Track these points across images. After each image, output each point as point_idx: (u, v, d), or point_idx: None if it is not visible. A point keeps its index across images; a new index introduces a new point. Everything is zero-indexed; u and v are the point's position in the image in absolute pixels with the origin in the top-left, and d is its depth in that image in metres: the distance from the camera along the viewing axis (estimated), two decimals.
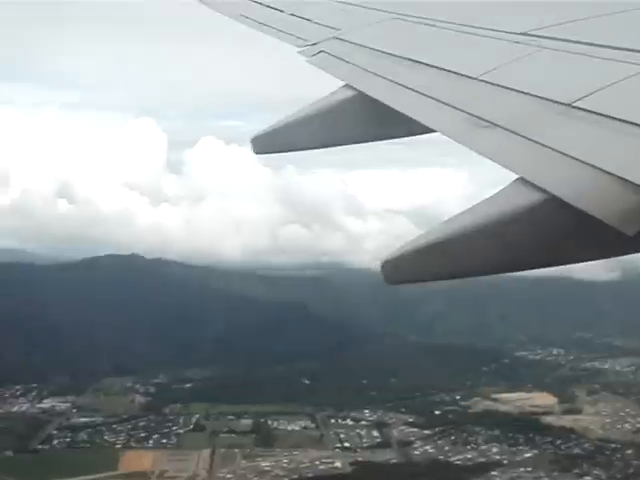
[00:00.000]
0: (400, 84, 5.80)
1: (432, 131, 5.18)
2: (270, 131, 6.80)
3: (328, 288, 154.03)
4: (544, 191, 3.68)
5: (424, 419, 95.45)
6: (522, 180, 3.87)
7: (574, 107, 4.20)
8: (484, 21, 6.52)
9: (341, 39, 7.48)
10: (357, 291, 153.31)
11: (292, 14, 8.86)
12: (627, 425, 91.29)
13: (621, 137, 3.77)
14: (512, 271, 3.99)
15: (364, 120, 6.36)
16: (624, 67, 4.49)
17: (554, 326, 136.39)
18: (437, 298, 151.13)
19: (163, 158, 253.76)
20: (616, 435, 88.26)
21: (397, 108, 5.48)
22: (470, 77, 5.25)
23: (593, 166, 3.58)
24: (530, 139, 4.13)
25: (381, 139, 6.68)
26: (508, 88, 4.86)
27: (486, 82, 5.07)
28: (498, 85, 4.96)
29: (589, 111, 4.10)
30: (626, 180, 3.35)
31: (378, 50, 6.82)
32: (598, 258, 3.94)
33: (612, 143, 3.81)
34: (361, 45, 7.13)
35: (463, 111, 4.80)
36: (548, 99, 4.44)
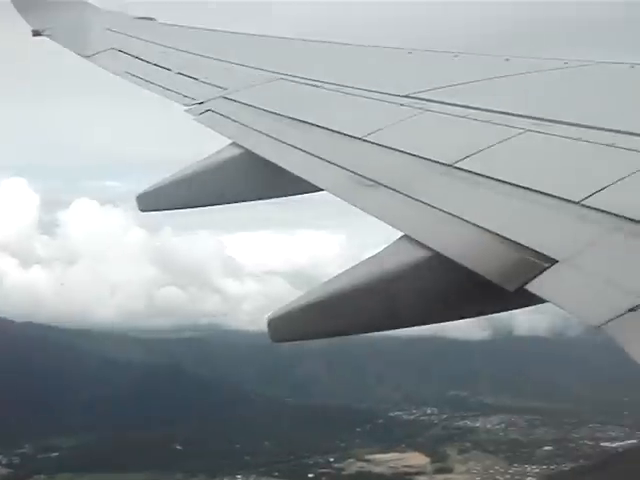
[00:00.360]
0: (287, 143, 5.89)
1: (318, 190, 5.25)
2: (156, 188, 6.69)
3: (205, 350, 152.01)
4: (428, 248, 3.78)
5: None
6: (406, 238, 3.96)
7: (455, 167, 4.36)
8: (369, 82, 6.74)
9: (228, 98, 7.56)
10: (234, 353, 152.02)
11: (179, 72, 8.87)
12: None
13: (499, 196, 3.92)
14: (395, 328, 4.03)
15: (251, 178, 6.37)
16: (501, 130, 4.73)
17: (429, 385, 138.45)
18: (314, 359, 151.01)
19: (35, 219, 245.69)
20: None
21: (284, 166, 5.56)
22: (355, 137, 5.38)
23: (475, 224, 3.71)
24: (414, 198, 4.24)
25: (267, 197, 6.61)
26: (392, 149, 4.99)
27: (371, 142, 5.20)
28: (383, 145, 5.09)
29: (469, 171, 4.26)
30: (505, 238, 3.48)
31: (264, 110, 6.89)
32: (480, 315, 4.05)
33: (491, 202, 3.96)
34: (248, 104, 7.20)
35: (349, 170, 4.90)
36: (431, 159, 4.59)
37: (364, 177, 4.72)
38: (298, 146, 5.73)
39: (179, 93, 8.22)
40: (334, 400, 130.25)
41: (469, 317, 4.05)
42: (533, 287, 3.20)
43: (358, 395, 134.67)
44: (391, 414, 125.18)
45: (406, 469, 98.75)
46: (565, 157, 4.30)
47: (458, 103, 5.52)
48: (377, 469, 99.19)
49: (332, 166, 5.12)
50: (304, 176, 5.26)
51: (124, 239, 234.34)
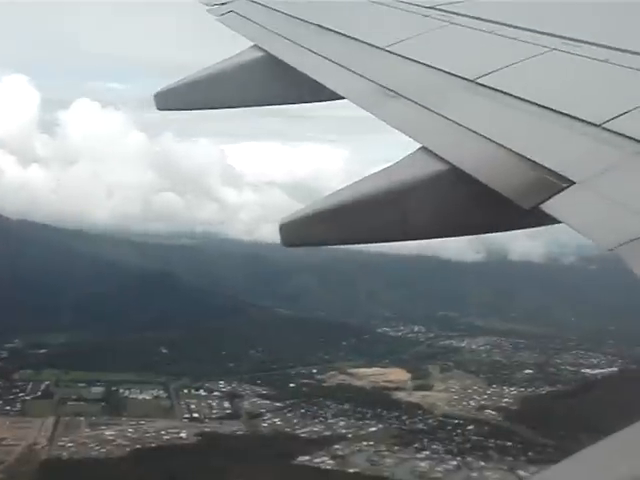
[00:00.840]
0: (309, 49, 5.77)
1: (338, 98, 5.19)
2: (175, 87, 6.61)
3: (199, 257, 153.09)
4: (446, 162, 3.76)
5: (277, 391, 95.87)
6: (424, 150, 3.93)
7: (477, 83, 4.30)
8: None
9: (250, 0, 7.38)
10: (228, 261, 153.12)
11: None
12: (472, 402, 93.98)
13: (520, 115, 3.89)
14: (406, 240, 4.06)
15: (271, 82, 6.29)
16: (527, 47, 4.62)
17: (420, 304, 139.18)
18: (309, 272, 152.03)
19: (35, 117, 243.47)
20: (460, 411, 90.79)
21: (307, 73, 5.45)
22: (378, 47, 5.29)
23: (494, 141, 3.69)
24: (434, 111, 4.20)
25: (286, 103, 6.57)
26: (415, 61, 4.90)
27: (393, 53, 5.10)
28: (405, 57, 4.99)
29: (492, 88, 4.20)
30: (524, 157, 3.47)
31: (287, 14, 6.70)
32: (492, 231, 4.08)
33: (512, 120, 3.94)
34: (271, 8, 6.99)
35: (370, 80, 4.84)
36: (453, 74, 4.51)
37: (386, 88, 4.67)
38: (321, 53, 5.63)
39: None
40: (324, 313, 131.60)
41: (480, 233, 4.16)
42: (548, 207, 3.20)
43: (348, 310, 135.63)
44: (379, 330, 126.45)
45: (386, 384, 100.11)
46: (590, 79, 4.23)
47: (485, 18, 5.37)
48: (358, 383, 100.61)
49: (354, 75, 5.06)
50: (326, 84, 5.19)
51: (124, 142, 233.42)
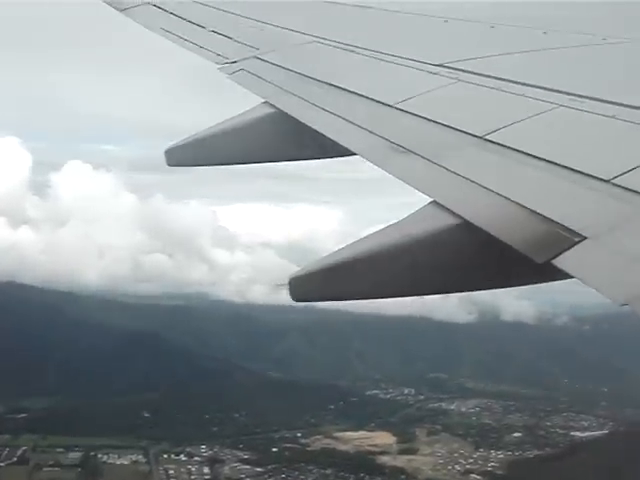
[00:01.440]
0: (319, 106, 5.89)
1: (348, 154, 5.32)
2: (186, 143, 6.63)
3: (189, 318, 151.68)
4: (457, 216, 3.78)
5: (260, 456, 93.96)
6: (435, 204, 3.95)
7: (486, 140, 4.35)
8: (404, 50, 6.65)
9: (261, 59, 7.51)
10: (219, 323, 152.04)
11: (213, 31, 8.82)
12: (457, 466, 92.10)
13: (529, 170, 3.93)
14: (416, 295, 4.02)
15: (282, 138, 6.36)
16: (534, 104, 4.69)
17: (411, 366, 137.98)
18: (298, 334, 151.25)
19: (26, 179, 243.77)
20: (444, 476, 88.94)
21: (316, 128, 5.55)
22: (386, 104, 5.38)
23: (504, 197, 3.71)
24: (444, 167, 4.24)
25: (297, 159, 6.63)
26: (423, 117, 4.99)
27: (402, 110, 5.20)
28: (414, 114, 5.09)
29: (500, 144, 4.25)
30: (534, 211, 3.49)
31: (297, 72, 6.83)
32: (503, 286, 4.02)
33: (521, 176, 3.97)
34: (280, 66, 7.15)
35: (381, 137, 4.92)
36: (462, 130, 4.58)
37: (395, 144, 4.76)
38: (332, 110, 5.73)
39: (212, 51, 8.15)
40: (313, 376, 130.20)
41: (491, 288, 4.09)
42: (560, 262, 3.19)
43: (338, 372, 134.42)
44: (368, 393, 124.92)
45: (371, 448, 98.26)
46: (598, 135, 4.27)
47: (492, 75, 5.45)
48: (342, 447, 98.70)
49: (364, 131, 5.15)
50: (337, 139, 5.26)
51: (114, 203, 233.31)
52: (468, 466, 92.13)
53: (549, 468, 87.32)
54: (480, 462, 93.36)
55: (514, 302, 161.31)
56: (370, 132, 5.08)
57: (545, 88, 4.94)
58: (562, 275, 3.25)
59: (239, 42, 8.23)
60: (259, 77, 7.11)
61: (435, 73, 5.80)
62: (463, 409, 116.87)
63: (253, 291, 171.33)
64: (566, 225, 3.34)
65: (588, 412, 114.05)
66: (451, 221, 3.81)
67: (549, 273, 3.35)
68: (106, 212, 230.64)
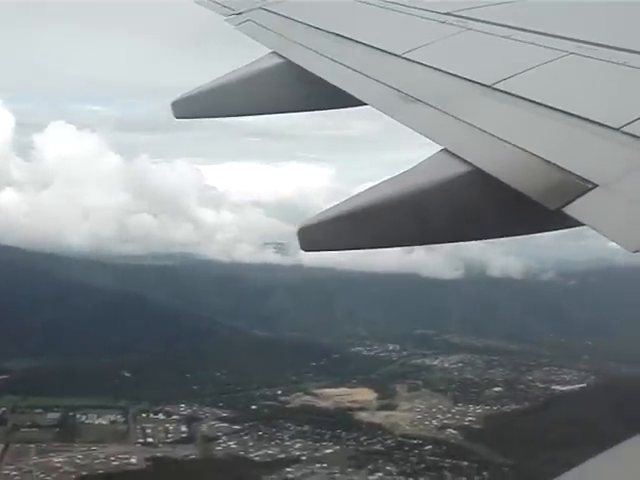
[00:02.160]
0: (327, 56, 5.82)
1: (357, 104, 5.28)
2: (193, 95, 6.53)
3: (175, 279, 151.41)
4: (467, 164, 3.78)
5: (238, 414, 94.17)
6: (446, 152, 3.93)
7: (495, 89, 4.33)
8: None
9: (267, 9, 7.42)
10: (204, 283, 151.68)
11: None
12: (434, 421, 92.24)
13: (539, 119, 3.92)
14: (425, 244, 4.09)
15: (290, 89, 6.29)
16: (544, 52, 4.66)
17: (398, 322, 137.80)
18: (285, 292, 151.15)
19: (9, 140, 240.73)
20: (421, 431, 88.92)
21: (328, 80, 5.47)
22: (395, 54, 5.34)
23: (514, 145, 3.71)
24: (454, 116, 4.23)
25: (306, 109, 6.52)
26: (431, 67, 4.94)
27: (410, 60, 5.14)
28: (422, 64, 5.03)
29: (509, 93, 4.23)
30: (544, 160, 3.50)
31: (304, 23, 6.75)
32: (513, 234, 4.09)
33: (530, 124, 3.96)
34: (287, 17, 7.07)
35: (390, 86, 4.88)
36: (470, 80, 4.54)
37: (403, 93, 4.72)
38: (340, 61, 5.66)
39: (217, 2, 8.17)
40: (300, 334, 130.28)
41: (500, 236, 4.07)
42: (571, 210, 3.20)
43: (325, 330, 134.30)
44: (352, 349, 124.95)
45: (351, 404, 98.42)
46: (608, 82, 4.24)
47: (501, 23, 5.39)
48: (322, 403, 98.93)
49: (373, 81, 5.11)
50: (347, 89, 5.21)
51: (99, 164, 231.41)
52: (445, 421, 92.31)
53: (525, 422, 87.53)
54: (457, 417, 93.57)
55: (501, 258, 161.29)
56: (379, 82, 5.04)
57: (555, 36, 4.87)
58: (572, 223, 3.26)
59: None
60: (265, 28, 7.06)
61: (443, 22, 5.73)
62: (446, 364, 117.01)
63: (240, 250, 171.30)
64: (577, 173, 3.33)
65: (570, 366, 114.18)
66: (463, 169, 3.78)
67: (559, 221, 3.42)
68: (90, 173, 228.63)
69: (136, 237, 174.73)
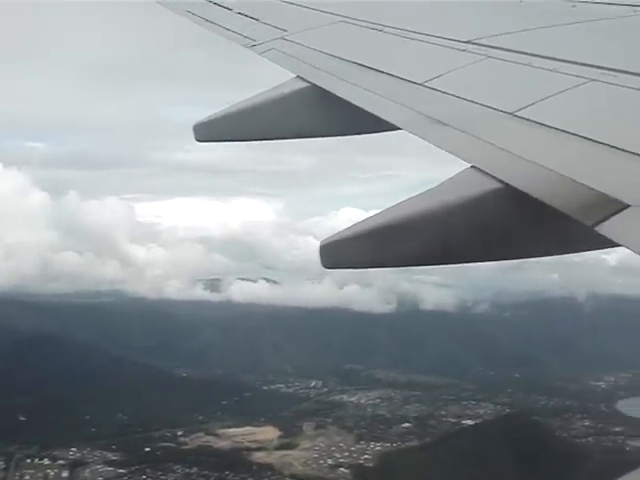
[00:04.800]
0: (353, 83, 5.81)
1: (384, 129, 5.52)
2: (215, 118, 6.46)
3: (99, 317, 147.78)
4: (498, 180, 3.73)
5: (128, 457, 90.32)
6: (474, 169, 3.88)
7: (516, 116, 4.29)
8: (431, 27, 6.54)
9: (288, 40, 7.41)
10: (130, 321, 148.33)
11: (240, 13, 8.73)
12: (330, 460, 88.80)
13: (563, 143, 3.87)
14: (457, 262, 3.91)
15: (316, 114, 6.23)
16: (565, 79, 4.63)
17: (327, 358, 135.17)
18: (213, 329, 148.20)
19: None
20: (312, 471, 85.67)
21: (357, 104, 5.43)
22: (416, 83, 5.32)
23: (542, 166, 3.69)
24: (482, 139, 4.18)
25: (330, 135, 6.44)
26: (452, 95, 4.93)
27: (432, 89, 5.14)
28: (443, 92, 5.02)
29: (530, 120, 4.18)
30: (574, 180, 3.47)
31: (326, 53, 6.76)
32: (544, 254, 3.99)
33: (556, 148, 3.90)
34: (308, 47, 7.06)
35: (418, 112, 4.88)
36: (491, 107, 4.52)
37: (432, 118, 4.69)
38: (365, 87, 5.65)
39: (238, 33, 8.05)
40: (224, 371, 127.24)
41: (530, 257, 4.01)
42: (604, 229, 3.21)
43: (250, 367, 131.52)
44: (272, 387, 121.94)
45: (251, 444, 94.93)
46: (630, 108, 4.23)
47: (522, 50, 5.39)
48: (220, 444, 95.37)
49: (399, 106, 5.09)
50: (379, 114, 5.17)
51: (24, 202, 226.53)
52: (341, 460, 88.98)
53: (417, 458, 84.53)
54: (354, 455, 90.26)
55: (434, 291, 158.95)
56: (406, 107, 5.02)
57: (576, 62, 4.86)
58: (607, 243, 3.22)
59: (266, 24, 8.06)
60: (290, 55, 6.98)
61: (463, 50, 5.76)
62: (363, 400, 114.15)
63: (170, 287, 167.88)
64: (607, 193, 3.30)
65: (490, 400, 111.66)
66: (491, 185, 3.71)
67: (589, 241, 3.41)
68: (14, 211, 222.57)
69: (61, 275, 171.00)
